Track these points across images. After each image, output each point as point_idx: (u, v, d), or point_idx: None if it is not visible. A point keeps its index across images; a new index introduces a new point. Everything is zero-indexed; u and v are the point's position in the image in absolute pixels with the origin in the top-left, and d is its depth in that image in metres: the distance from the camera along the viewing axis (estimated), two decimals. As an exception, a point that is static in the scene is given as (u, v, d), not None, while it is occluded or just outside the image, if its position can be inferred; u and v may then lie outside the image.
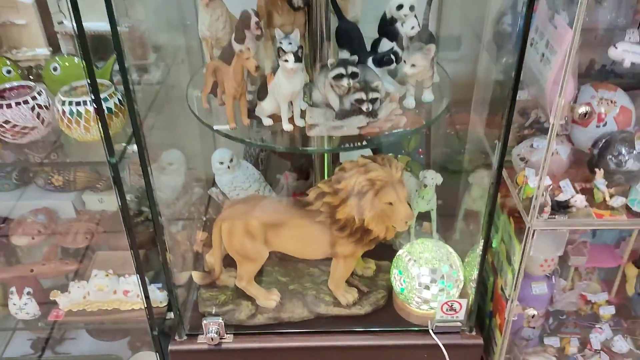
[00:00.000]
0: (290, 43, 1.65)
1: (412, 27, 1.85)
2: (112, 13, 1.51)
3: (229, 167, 2.14)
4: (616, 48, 1.44)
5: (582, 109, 1.41)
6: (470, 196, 2.16)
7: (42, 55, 1.95)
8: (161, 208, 1.94)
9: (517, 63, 1.42)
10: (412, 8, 1.84)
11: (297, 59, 1.56)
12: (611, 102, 1.73)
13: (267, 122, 1.73)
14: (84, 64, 1.49)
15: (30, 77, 1.83)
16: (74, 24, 1.47)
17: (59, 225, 2.32)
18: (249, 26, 1.70)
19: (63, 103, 1.61)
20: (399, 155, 2.48)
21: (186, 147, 2.36)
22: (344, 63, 1.61)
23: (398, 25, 1.88)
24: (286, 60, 1.55)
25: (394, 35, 1.91)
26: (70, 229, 2.29)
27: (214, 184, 2.28)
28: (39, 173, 2.36)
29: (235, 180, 2.17)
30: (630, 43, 1.42)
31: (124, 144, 1.70)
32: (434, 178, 2.05)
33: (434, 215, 2.19)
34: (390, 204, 1.73)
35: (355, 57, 1.64)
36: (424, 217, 2.22)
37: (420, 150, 2.49)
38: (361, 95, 1.64)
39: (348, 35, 1.87)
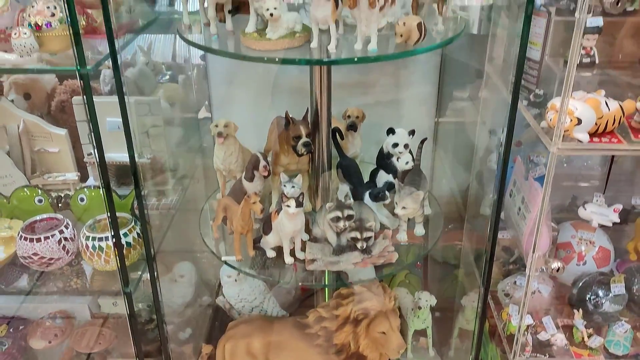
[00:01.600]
0: (293, 187, 1.82)
1: (407, 162, 2.04)
2: (133, 156, 1.72)
3: (236, 280, 2.28)
4: (585, 209, 1.59)
5: (554, 265, 1.55)
6: (464, 316, 2.27)
7: (71, 179, 2.15)
8: (171, 317, 2.07)
9: (495, 221, 1.58)
10: (406, 146, 2.03)
11: (298, 205, 1.73)
12: (590, 242, 1.86)
13: (271, 254, 1.88)
14: (107, 206, 1.68)
15: (59, 205, 2.02)
16: (98, 161, 1.67)
17: (74, 329, 2.44)
18: (257, 168, 1.89)
19: (87, 238, 1.79)
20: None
21: (197, 257, 2.52)
22: (340, 207, 1.77)
23: (394, 159, 2.06)
24: (288, 206, 1.72)
25: (390, 168, 2.09)
26: (85, 333, 2.41)
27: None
28: (59, 277, 2.52)
29: (242, 292, 2.31)
30: (597, 205, 1.57)
31: (139, 273, 1.87)
32: (428, 300, 2.17)
33: (429, 332, 2.29)
34: (384, 333, 1.85)
35: (351, 201, 1.80)
36: (421, 332, 2.32)
37: (418, 263, 2.62)
38: (356, 234, 1.80)
39: (347, 171, 2.06)
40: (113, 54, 1.51)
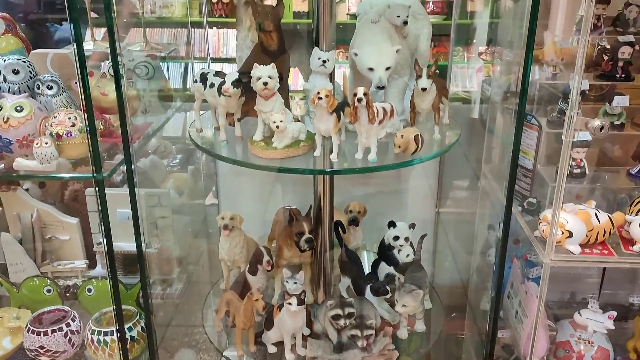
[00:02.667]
0: (295, 282, 1.87)
1: (407, 255, 2.09)
2: (141, 247, 1.78)
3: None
4: (580, 315, 1.62)
5: (552, 371, 1.56)
6: (465, 411, 2.25)
7: (79, 267, 2.20)
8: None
9: (493, 322, 1.60)
10: (407, 239, 2.08)
11: (300, 302, 1.76)
12: (589, 342, 1.86)
13: (272, 349, 1.90)
14: (113, 301, 1.74)
15: (67, 295, 2.06)
16: (106, 254, 1.73)
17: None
18: (261, 262, 1.94)
19: (93, 332, 1.82)
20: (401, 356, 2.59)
21: (199, 343, 2.53)
22: (342, 305, 1.80)
23: (395, 252, 2.11)
24: (290, 303, 1.76)
25: (391, 260, 2.13)
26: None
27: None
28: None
29: (243, 381, 2.30)
30: (592, 311, 1.60)
31: (142, 367, 1.89)
32: (429, 393, 2.16)
33: (431, 423, 2.26)
34: None
35: (352, 299, 1.84)
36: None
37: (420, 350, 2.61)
38: (357, 332, 1.82)
39: (349, 264, 2.10)
40: (128, 161, 1.60)
